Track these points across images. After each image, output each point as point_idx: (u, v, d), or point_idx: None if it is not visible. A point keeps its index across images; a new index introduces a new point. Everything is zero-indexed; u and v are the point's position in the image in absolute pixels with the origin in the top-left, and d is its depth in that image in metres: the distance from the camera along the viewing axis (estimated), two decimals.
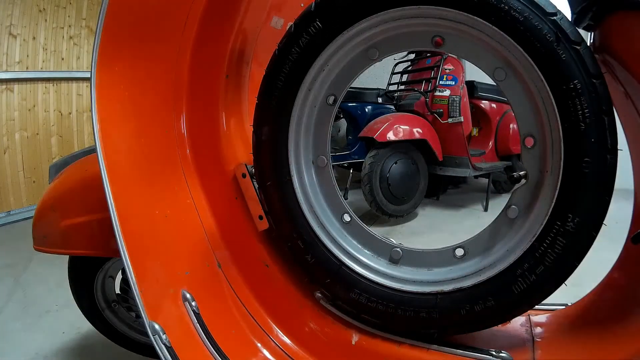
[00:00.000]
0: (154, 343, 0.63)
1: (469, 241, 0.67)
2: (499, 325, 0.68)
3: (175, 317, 0.67)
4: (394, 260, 0.71)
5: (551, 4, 0.56)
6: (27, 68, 3.04)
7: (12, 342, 1.40)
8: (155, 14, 0.70)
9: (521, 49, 0.57)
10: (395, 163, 2.77)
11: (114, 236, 0.63)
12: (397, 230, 2.78)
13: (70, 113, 3.34)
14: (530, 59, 0.56)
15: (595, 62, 0.54)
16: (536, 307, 0.63)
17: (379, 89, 3.41)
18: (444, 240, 2.17)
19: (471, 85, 3.23)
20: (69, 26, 3.25)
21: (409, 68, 3.44)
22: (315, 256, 0.72)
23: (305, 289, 0.76)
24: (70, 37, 3.29)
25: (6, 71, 2.91)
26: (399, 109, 3.24)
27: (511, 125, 3.31)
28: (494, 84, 0.69)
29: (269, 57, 0.69)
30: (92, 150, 0.96)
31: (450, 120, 2.87)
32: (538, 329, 0.72)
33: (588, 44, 0.56)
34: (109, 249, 0.81)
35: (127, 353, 1.19)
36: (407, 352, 0.67)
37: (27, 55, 3.03)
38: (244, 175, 0.78)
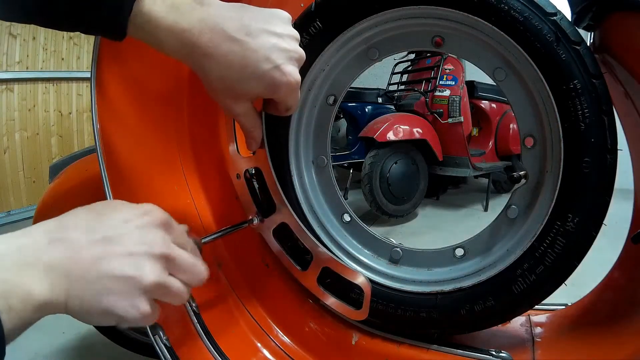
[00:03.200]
0: (154, 343, 0.63)
1: (469, 241, 0.67)
2: (499, 325, 0.68)
3: (175, 317, 0.67)
4: (394, 260, 0.71)
5: (551, 4, 0.56)
6: (27, 68, 3.04)
7: (12, 342, 1.40)
8: None
9: (521, 49, 0.57)
10: (395, 163, 2.77)
11: None
12: (397, 230, 2.79)
13: (70, 113, 3.34)
14: (530, 59, 0.56)
15: (595, 62, 0.54)
16: (536, 307, 0.63)
17: (379, 89, 3.42)
18: (444, 240, 2.17)
19: (471, 85, 3.23)
20: None
21: (409, 68, 3.44)
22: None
23: (306, 289, 0.76)
24: (70, 37, 3.29)
25: (6, 71, 2.91)
26: (399, 109, 3.25)
27: (511, 125, 3.32)
28: (494, 84, 0.69)
29: None
30: (92, 150, 0.96)
31: (450, 120, 2.87)
32: (538, 329, 0.72)
33: (588, 44, 0.56)
34: None
35: (127, 353, 1.19)
36: (407, 352, 0.67)
37: (27, 55, 3.03)
38: (238, 177, 0.77)
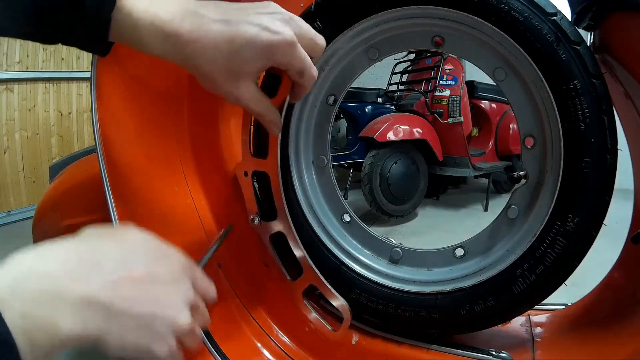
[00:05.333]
0: None
1: (469, 241, 0.67)
2: (499, 325, 0.68)
3: None
4: (394, 260, 0.71)
5: (551, 4, 0.56)
6: (27, 68, 3.04)
7: None
8: None
9: (521, 49, 0.57)
10: (395, 163, 2.77)
11: None
12: (397, 230, 2.78)
13: (70, 113, 3.34)
14: (530, 59, 0.56)
15: (595, 62, 0.54)
16: (536, 307, 0.63)
17: (379, 89, 3.41)
18: (444, 240, 2.17)
19: (471, 85, 3.23)
20: None
21: (409, 68, 3.44)
22: (315, 256, 0.72)
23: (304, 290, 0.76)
24: None
25: (6, 71, 2.91)
26: (399, 109, 3.25)
27: (511, 125, 3.32)
28: (494, 84, 0.69)
29: None
30: (92, 150, 0.96)
31: (450, 120, 2.87)
32: (538, 329, 0.72)
33: (588, 44, 0.56)
34: None
35: None
36: (407, 352, 0.67)
37: (27, 55, 3.02)
38: (245, 174, 0.78)
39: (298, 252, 0.70)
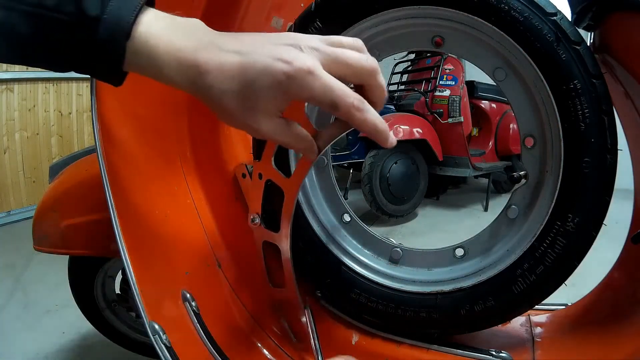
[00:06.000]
0: (154, 343, 0.63)
1: (469, 241, 0.67)
2: (499, 325, 0.68)
3: (175, 317, 0.67)
4: (394, 260, 0.71)
5: (551, 4, 0.56)
6: (27, 68, 3.03)
7: (12, 342, 1.40)
8: None
9: (521, 49, 0.57)
10: (395, 163, 2.76)
11: (114, 236, 0.63)
12: (397, 230, 2.78)
13: (70, 113, 3.33)
14: (530, 59, 0.56)
15: (595, 62, 0.54)
16: (536, 307, 0.63)
17: None
18: (444, 240, 2.17)
19: (471, 85, 3.23)
20: None
21: (409, 68, 3.44)
22: (315, 256, 0.72)
23: (305, 289, 0.76)
24: None
25: (6, 71, 2.91)
26: (399, 109, 3.24)
27: (511, 125, 3.31)
28: (494, 84, 0.69)
29: None
30: (92, 150, 0.96)
31: (450, 120, 2.87)
32: (538, 329, 0.72)
33: (588, 44, 0.56)
34: (109, 249, 0.81)
35: (127, 353, 1.19)
36: (407, 352, 0.67)
37: None
38: (244, 176, 0.78)
39: (288, 271, 0.70)
